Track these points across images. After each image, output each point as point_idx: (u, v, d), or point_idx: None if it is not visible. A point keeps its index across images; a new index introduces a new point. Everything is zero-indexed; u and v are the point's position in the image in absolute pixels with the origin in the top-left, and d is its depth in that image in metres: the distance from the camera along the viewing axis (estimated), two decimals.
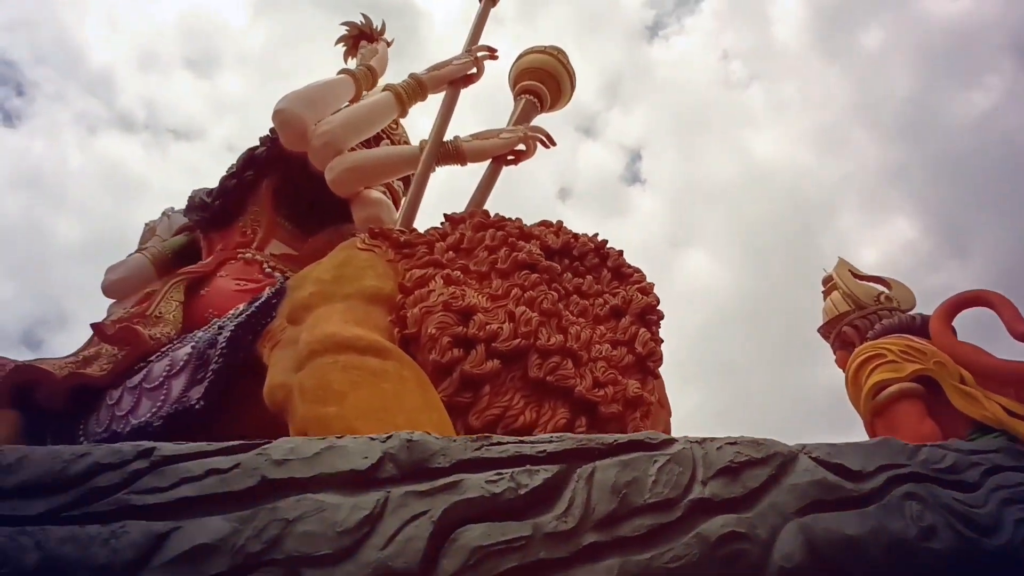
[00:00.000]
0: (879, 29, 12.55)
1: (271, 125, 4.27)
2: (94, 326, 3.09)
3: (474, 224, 3.15)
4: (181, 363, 2.69)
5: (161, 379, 2.69)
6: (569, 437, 1.42)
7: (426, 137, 3.98)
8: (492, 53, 4.32)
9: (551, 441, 1.38)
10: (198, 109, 15.75)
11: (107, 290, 4.42)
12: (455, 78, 4.17)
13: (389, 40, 4.67)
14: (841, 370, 3.48)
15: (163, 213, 5.14)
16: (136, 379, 2.80)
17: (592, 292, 3.02)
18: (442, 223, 3.21)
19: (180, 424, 2.46)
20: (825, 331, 3.60)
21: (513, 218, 3.27)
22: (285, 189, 4.14)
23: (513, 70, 4.44)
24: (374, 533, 1.14)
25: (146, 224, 5.09)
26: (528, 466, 1.28)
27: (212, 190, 4.19)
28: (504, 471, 1.26)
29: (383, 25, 4.69)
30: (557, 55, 4.39)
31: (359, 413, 2.06)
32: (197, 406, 2.44)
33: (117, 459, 1.21)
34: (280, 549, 1.12)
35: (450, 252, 2.93)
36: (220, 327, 2.74)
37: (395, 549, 1.12)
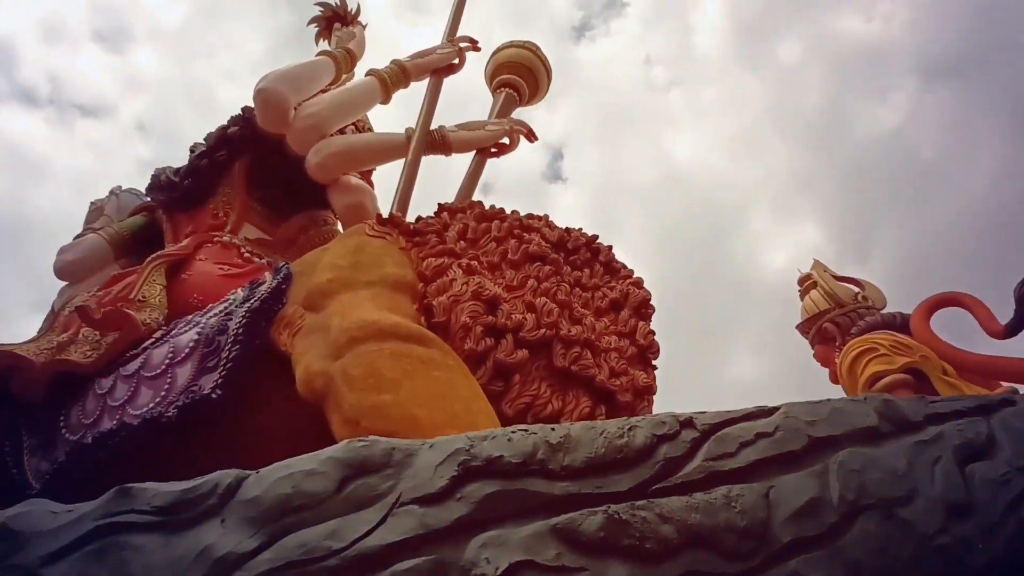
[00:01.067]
0: (796, 43, 13.29)
1: (244, 105, 4.12)
2: (79, 309, 2.90)
3: (476, 215, 3.16)
4: (187, 350, 2.57)
5: (164, 367, 2.57)
6: None
7: (406, 126, 3.94)
8: (474, 44, 4.33)
9: None
10: (107, 85, 14.79)
11: (61, 272, 4.13)
12: (438, 67, 4.15)
13: (364, 23, 4.58)
14: (820, 364, 3.72)
15: (111, 192, 4.86)
16: (132, 367, 2.66)
17: (591, 285, 3.10)
18: (436, 213, 3.20)
19: (195, 415, 2.36)
20: (805, 327, 3.83)
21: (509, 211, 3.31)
22: (258, 171, 4.00)
23: (490, 64, 4.46)
24: (923, 478, 1.30)
25: (92, 203, 4.79)
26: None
27: (179, 169, 3.99)
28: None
29: (358, 7, 4.59)
30: (534, 50, 4.45)
31: (418, 401, 2.07)
32: (214, 395, 2.35)
33: (669, 431, 1.33)
34: (868, 495, 1.26)
35: (461, 242, 2.94)
36: (227, 313, 2.64)
37: (942, 483, 1.30)
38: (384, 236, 2.90)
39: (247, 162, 3.96)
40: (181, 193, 3.92)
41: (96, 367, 2.73)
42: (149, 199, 4.19)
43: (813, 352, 3.83)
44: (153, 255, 3.43)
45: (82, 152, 14.04)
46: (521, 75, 4.39)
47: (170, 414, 2.34)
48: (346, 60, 4.16)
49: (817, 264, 3.90)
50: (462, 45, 4.29)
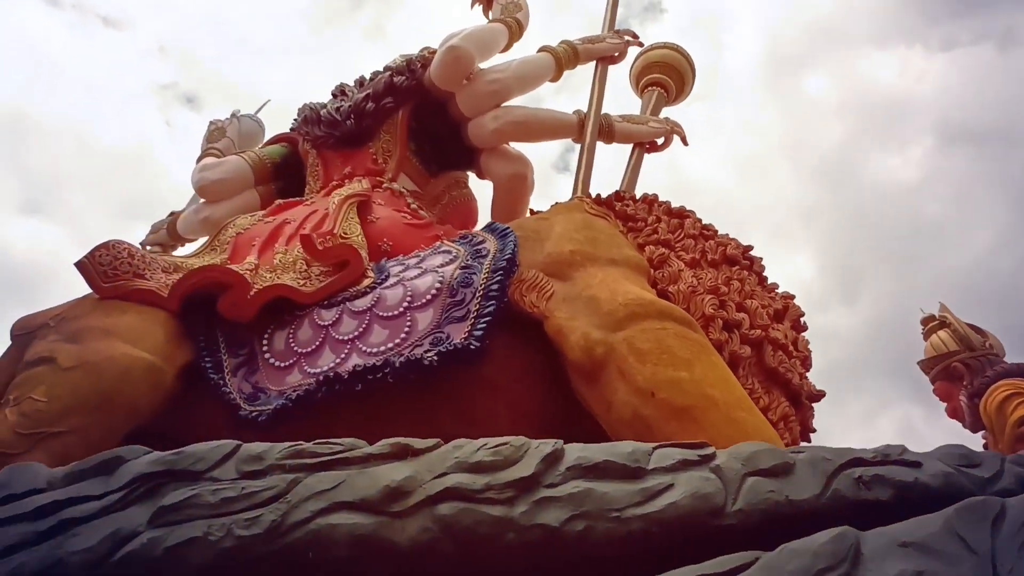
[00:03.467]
0: (824, 78, 13.63)
1: (409, 55, 4.12)
2: (304, 238, 2.90)
3: (665, 209, 3.26)
4: (427, 296, 2.61)
5: (402, 309, 2.61)
6: None
7: (575, 108, 4.00)
8: (636, 39, 4.40)
9: None
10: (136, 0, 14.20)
11: (203, 189, 4.09)
12: (605, 55, 4.22)
13: None
14: (939, 399, 4.01)
15: (232, 115, 4.83)
16: (361, 303, 2.68)
17: (758, 294, 3.25)
18: (630, 200, 3.29)
19: (449, 361, 2.41)
20: (929, 364, 4.12)
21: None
22: (417, 124, 4.02)
23: (639, 63, 4.53)
24: None
25: (212, 122, 4.74)
26: None
27: (339, 107, 3.97)
28: None
29: None
30: (682, 52, 4.55)
31: (710, 381, 2.22)
32: (472, 346, 2.41)
33: None
34: None
35: (670, 233, 3.04)
36: (465, 267, 2.69)
37: None
38: (604, 217, 2.99)
39: (408, 113, 3.98)
40: (342, 132, 3.90)
41: (315, 298, 2.74)
42: (297, 131, 4.15)
43: (934, 388, 4.16)
44: (342, 192, 3.42)
45: (98, 62, 13.47)
46: (669, 75, 4.48)
47: (431, 358, 2.38)
48: (517, 31, 4.19)
49: (944, 307, 4.24)
50: (627, 38, 4.36)
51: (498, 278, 2.56)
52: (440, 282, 2.64)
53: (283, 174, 4.21)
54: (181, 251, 4.24)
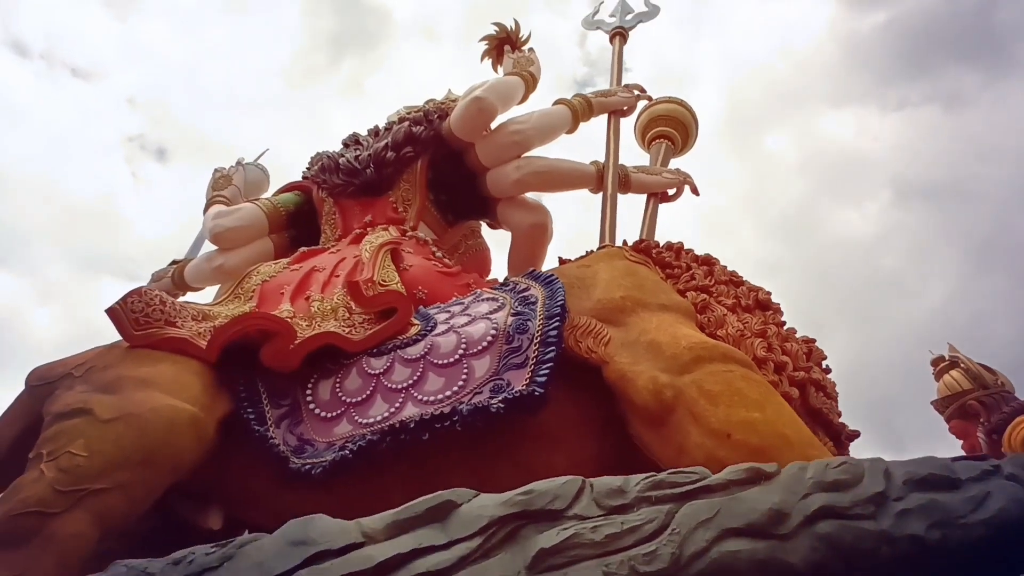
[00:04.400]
0: (784, 135, 14.16)
1: (411, 106, 4.18)
2: (351, 284, 2.85)
3: (692, 256, 3.31)
4: (483, 343, 2.58)
5: (457, 357, 2.56)
6: None
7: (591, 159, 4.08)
8: (645, 93, 4.53)
9: None
10: (106, 51, 14.09)
11: (217, 237, 4.01)
12: (618, 108, 4.32)
13: (533, 47, 4.70)
14: (956, 436, 4.13)
15: (237, 163, 4.78)
16: (413, 351, 2.62)
17: (792, 337, 3.30)
18: (664, 248, 3.34)
19: (516, 409, 2.37)
20: (942, 404, 4.24)
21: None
22: (434, 174, 4.04)
23: (644, 116, 4.65)
24: None
25: (216, 170, 4.70)
26: None
27: (358, 156, 3.96)
28: None
29: (529, 33, 4.73)
30: (687, 106, 4.69)
31: (783, 421, 2.26)
32: (535, 393, 2.37)
33: None
34: None
35: (706, 280, 3.08)
36: (516, 313, 2.67)
37: None
38: (645, 264, 3.02)
39: (427, 162, 4.00)
40: (362, 181, 3.89)
41: (364, 346, 2.68)
42: (313, 179, 4.12)
43: (949, 426, 4.27)
44: (373, 239, 3.39)
45: (65, 113, 13.25)
46: (675, 128, 4.61)
47: (498, 404, 2.34)
48: (532, 84, 4.28)
49: (953, 348, 4.41)
50: (636, 92, 4.48)
51: (555, 324, 2.55)
52: (495, 329, 2.61)
53: (296, 222, 4.16)
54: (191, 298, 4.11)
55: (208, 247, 4.21)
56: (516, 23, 4.71)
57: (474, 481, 2.45)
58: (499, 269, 4.31)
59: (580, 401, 2.53)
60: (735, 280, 3.23)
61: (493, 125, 3.96)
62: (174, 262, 4.45)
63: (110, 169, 13.75)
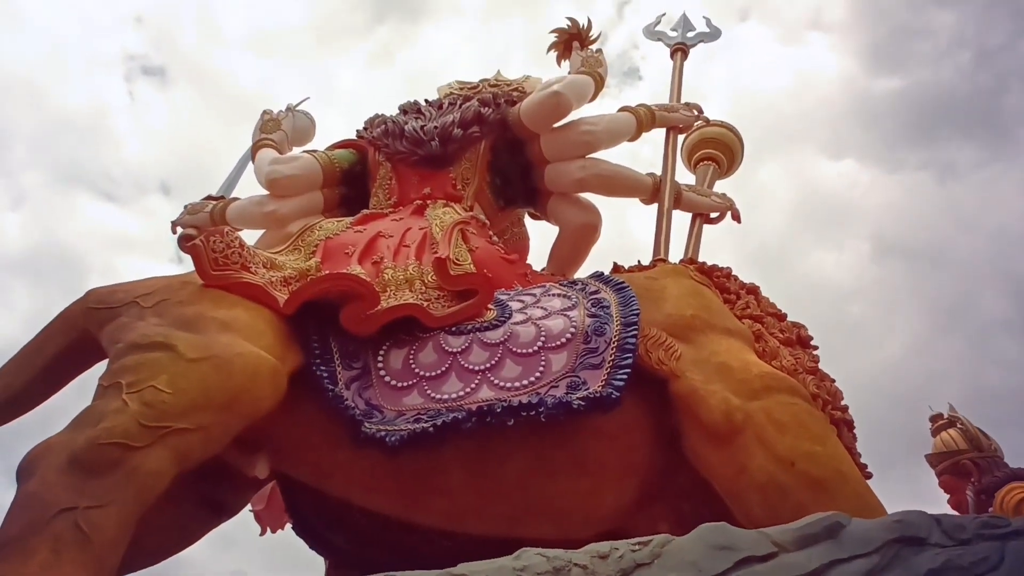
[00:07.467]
0: (779, 171, 14.44)
1: (480, 83, 4.22)
2: (436, 261, 2.88)
3: (740, 284, 3.43)
4: (562, 339, 2.65)
5: (536, 348, 2.64)
6: None
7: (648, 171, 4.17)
8: (702, 114, 4.62)
9: None
10: None
11: (274, 183, 4.00)
12: (677, 125, 4.41)
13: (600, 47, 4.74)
14: (944, 491, 4.41)
15: (287, 108, 4.74)
16: (493, 335, 2.69)
17: (827, 377, 3.45)
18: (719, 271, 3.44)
19: (593, 408, 2.46)
20: (937, 459, 4.52)
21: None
22: (493, 158, 4.07)
23: (693, 137, 4.72)
24: None
25: (265, 112, 4.64)
26: None
27: (423, 126, 3.97)
28: None
29: (600, 33, 4.77)
30: (734, 130, 4.79)
31: (840, 457, 2.47)
32: (612, 395, 2.47)
33: None
34: None
35: (758, 309, 3.20)
36: (592, 315, 2.75)
37: None
38: (708, 286, 3.13)
39: (490, 144, 4.03)
40: (426, 152, 3.91)
41: (444, 322, 2.73)
42: (372, 141, 4.11)
43: (939, 480, 4.56)
44: (443, 215, 3.42)
45: (68, 19, 12.77)
46: (723, 151, 4.70)
47: (580, 402, 2.42)
48: (600, 86, 4.33)
49: (952, 408, 4.72)
50: (695, 111, 4.57)
51: (632, 332, 2.64)
52: (574, 328, 2.69)
53: (347, 180, 4.16)
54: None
55: (250, 190, 4.18)
56: (588, 20, 4.75)
57: (530, 466, 2.56)
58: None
59: (638, 408, 2.63)
60: (778, 314, 3.35)
61: (563, 121, 4.02)
62: (209, 197, 4.40)
63: (107, 85, 13.34)
